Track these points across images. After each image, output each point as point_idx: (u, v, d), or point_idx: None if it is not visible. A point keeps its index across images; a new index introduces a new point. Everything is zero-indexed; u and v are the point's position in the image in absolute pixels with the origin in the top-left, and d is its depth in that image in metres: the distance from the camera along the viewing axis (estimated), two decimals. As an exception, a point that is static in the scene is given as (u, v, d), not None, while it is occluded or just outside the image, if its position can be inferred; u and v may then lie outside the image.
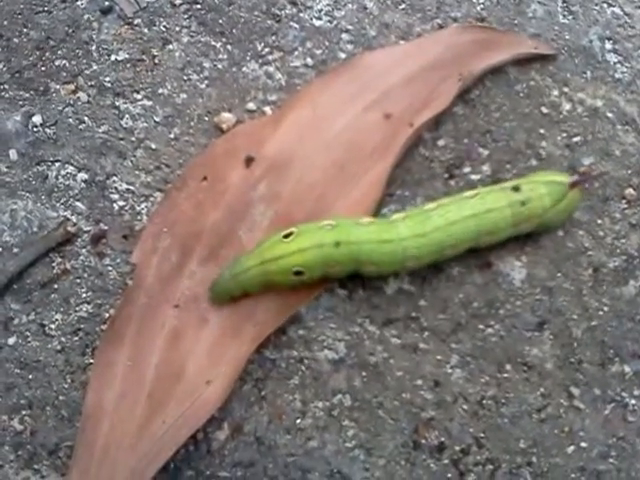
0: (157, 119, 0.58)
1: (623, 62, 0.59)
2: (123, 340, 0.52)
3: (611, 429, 0.52)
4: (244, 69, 0.59)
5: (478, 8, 0.60)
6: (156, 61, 0.59)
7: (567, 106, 0.58)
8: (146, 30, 0.60)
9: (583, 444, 0.52)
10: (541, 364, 0.53)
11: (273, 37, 0.59)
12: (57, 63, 0.60)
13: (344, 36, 0.59)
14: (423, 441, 0.52)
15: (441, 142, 0.57)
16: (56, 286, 0.55)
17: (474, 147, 0.57)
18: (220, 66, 0.59)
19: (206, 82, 0.59)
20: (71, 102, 0.59)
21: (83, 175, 0.57)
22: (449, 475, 0.52)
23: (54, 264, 0.56)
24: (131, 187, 0.57)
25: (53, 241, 0.56)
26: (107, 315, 0.55)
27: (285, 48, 0.59)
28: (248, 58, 0.59)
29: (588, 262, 0.55)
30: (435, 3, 0.60)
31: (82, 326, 0.55)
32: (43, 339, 0.54)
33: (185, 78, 0.59)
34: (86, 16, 0.60)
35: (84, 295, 0.55)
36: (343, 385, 0.53)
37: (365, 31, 0.59)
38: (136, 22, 0.60)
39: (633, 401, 0.53)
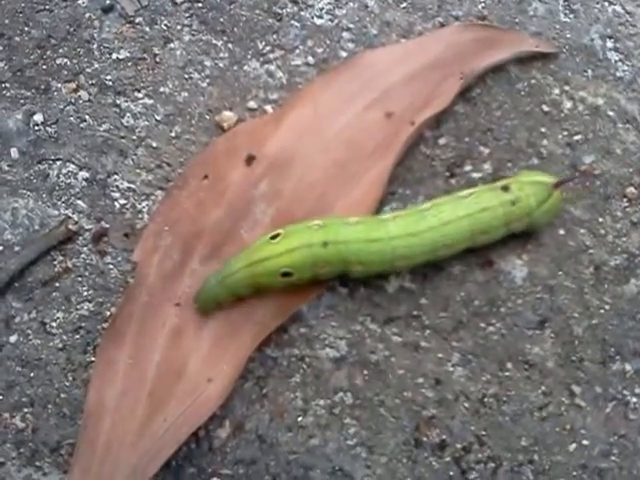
0: (158, 117, 0.58)
1: (624, 60, 0.59)
2: (124, 338, 0.52)
3: (612, 427, 0.52)
4: (245, 68, 0.59)
5: (479, 6, 0.60)
6: (157, 60, 0.59)
7: (568, 104, 0.58)
8: (147, 29, 0.60)
9: (585, 442, 0.52)
10: (542, 362, 0.53)
11: (274, 36, 0.60)
12: (58, 62, 0.60)
13: (345, 35, 0.59)
14: (424, 439, 0.52)
15: (442, 140, 0.57)
16: (57, 284, 0.55)
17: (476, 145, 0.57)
18: (221, 65, 0.59)
19: (207, 81, 0.59)
20: (72, 101, 0.59)
21: (84, 173, 0.57)
22: (451, 473, 0.52)
23: (55, 262, 0.56)
24: (132, 185, 0.57)
25: (54, 239, 0.56)
26: (108, 313, 0.55)
27: (286, 47, 0.59)
28: (249, 57, 0.59)
29: (589, 260, 0.55)
30: (436, 2, 0.60)
31: (83, 324, 0.55)
32: (44, 337, 0.54)
33: (186, 77, 0.59)
34: (87, 14, 0.61)
35: (85, 293, 0.55)
36: (344, 383, 0.53)
37: (366, 30, 0.59)
38: (137, 21, 0.60)
39: (634, 399, 0.53)
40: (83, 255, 0.56)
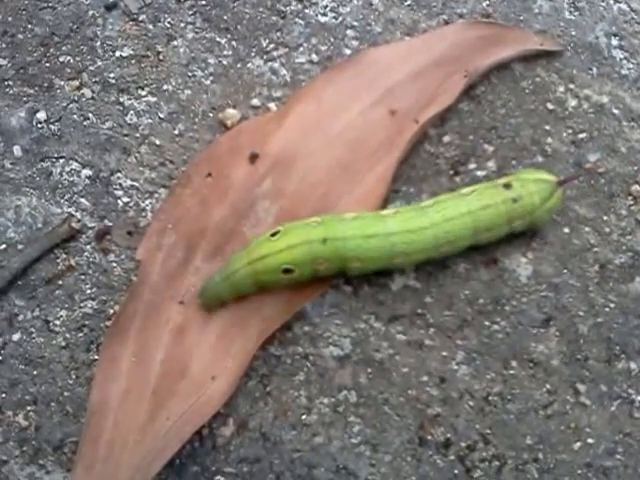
0: (162, 115, 0.58)
1: (629, 58, 0.58)
2: (128, 336, 0.52)
3: (617, 425, 0.52)
4: (249, 65, 0.59)
5: (484, 4, 0.60)
6: (161, 57, 0.59)
7: (573, 102, 0.58)
8: (151, 26, 0.60)
9: (589, 440, 0.52)
10: (547, 361, 0.53)
11: (278, 33, 0.59)
12: (61, 59, 0.59)
13: (349, 32, 0.59)
14: (429, 437, 0.52)
15: (446, 138, 0.57)
16: (61, 282, 0.55)
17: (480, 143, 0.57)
18: (225, 62, 0.59)
19: (211, 78, 0.59)
20: (75, 98, 0.59)
21: (87, 171, 0.57)
22: (455, 471, 0.51)
23: (58, 260, 0.56)
24: (135, 183, 0.57)
25: (57, 237, 0.56)
26: (112, 311, 0.54)
27: (290, 44, 0.59)
28: (253, 54, 0.59)
29: (594, 259, 0.55)
30: (440, -1, 0.60)
31: (87, 322, 0.54)
32: (48, 335, 0.54)
33: (190, 74, 0.59)
34: (91, 12, 0.60)
35: (89, 291, 0.55)
36: (348, 381, 0.53)
37: (370, 27, 0.59)
38: (141, 18, 0.60)
39: (639, 398, 0.53)
40: (86, 253, 0.56)
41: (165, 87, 0.59)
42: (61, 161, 0.57)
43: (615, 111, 0.57)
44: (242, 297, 0.52)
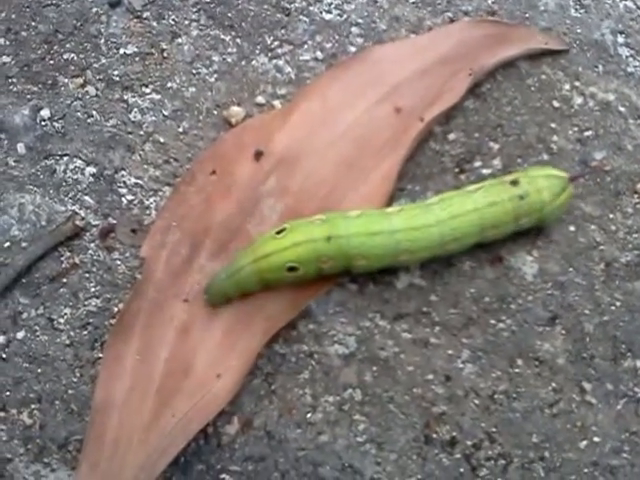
0: (166, 113, 0.58)
1: (635, 56, 0.58)
2: (132, 334, 0.52)
3: (624, 424, 0.52)
4: (253, 63, 0.59)
5: (489, 1, 0.59)
6: (165, 55, 0.59)
7: (579, 100, 0.57)
8: (155, 23, 0.60)
9: (596, 439, 0.52)
10: (553, 359, 0.53)
11: (283, 31, 0.59)
12: (65, 57, 0.59)
13: (354, 29, 0.59)
14: (434, 436, 0.52)
15: (452, 136, 0.57)
16: (65, 280, 0.55)
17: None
18: (229, 60, 0.59)
19: (215, 76, 0.59)
20: (79, 96, 0.59)
21: (91, 169, 0.57)
22: (461, 470, 0.51)
23: (63, 258, 0.55)
24: (140, 181, 0.57)
25: (62, 235, 0.55)
26: (116, 309, 0.54)
27: (295, 42, 0.59)
28: (257, 52, 0.59)
29: (600, 257, 0.55)
30: (446, -4, 0.60)
31: (91, 320, 0.54)
32: (52, 333, 0.54)
33: (194, 72, 0.59)
34: (94, 9, 0.60)
35: (93, 289, 0.55)
36: (353, 380, 0.53)
37: (375, 24, 0.59)
38: (145, 15, 0.60)
39: (645, 396, 0.53)
40: (90, 251, 0.56)
41: (169, 85, 0.58)
42: (65, 159, 0.57)
43: (621, 109, 0.57)
44: (248, 295, 0.52)
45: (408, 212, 0.51)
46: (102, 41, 0.60)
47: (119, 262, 0.55)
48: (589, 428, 0.52)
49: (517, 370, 0.53)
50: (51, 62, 0.59)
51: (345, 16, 0.59)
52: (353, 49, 0.59)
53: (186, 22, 0.60)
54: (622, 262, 0.55)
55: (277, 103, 0.58)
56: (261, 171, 0.55)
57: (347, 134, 0.55)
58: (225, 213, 0.54)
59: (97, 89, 0.59)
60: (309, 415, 0.52)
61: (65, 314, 0.54)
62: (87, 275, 0.55)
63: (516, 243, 0.54)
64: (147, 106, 0.58)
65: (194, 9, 0.60)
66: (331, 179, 0.55)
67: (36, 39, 0.60)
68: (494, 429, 0.52)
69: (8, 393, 0.53)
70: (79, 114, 0.58)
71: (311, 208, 0.54)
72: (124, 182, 0.57)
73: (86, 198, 0.56)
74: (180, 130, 0.58)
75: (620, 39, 0.59)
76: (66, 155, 0.57)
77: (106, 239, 0.56)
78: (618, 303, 0.54)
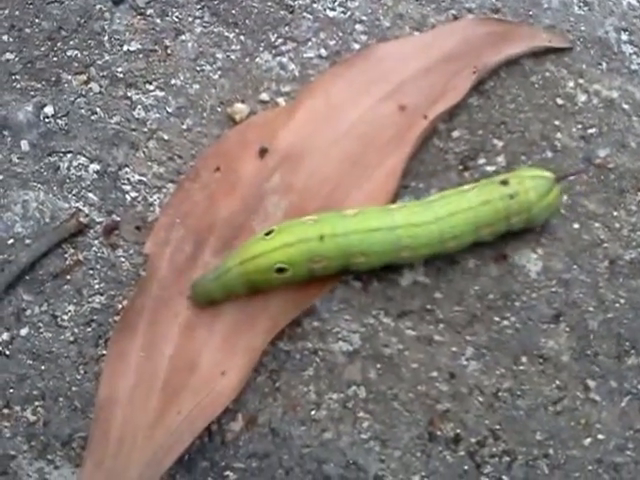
0: (170, 110, 0.58)
1: (639, 53, 0.58)
2: (136, 331, 0.52)
3: (628, 421, 0.52)
4: (257, 60, 0.59)
5: (493, -1, 0.60)
6: (169, 52, 0.59)
7: (582, 97, 0.57)
8: (158, 20, 0.60)
9: (600, 436, 0.52)
10: (557, 356, 0.53)
11: (286, 28, 0.59)
12: (69, 53, 0.59)
13: (358, 27, 0.59)
14: (439, 433, 0.52)
15: (456, 133, 0.57)
16: (69, 277, 0.55)
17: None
18: (233, 57, 0.59)
19: (219, 73, 0.58)
20: (83, 93, 0.59)
21: (95, 166, 0.57)
22: (465, 467, 0.51)
23: (66, 255, 0.55)
24: (143, 178, 0.57)
25: (65, 232, 0.55)
26: (120, 306, 0.54)
27: (298, 39, 0.59)
28: (261, 49, 0.59)
29: (604, 254, 0.55)
30: (450, -6, 0.60)
31: (95, 317, 0.54)
32: (56, 330, 0.54)
33: (198, 69, 0.59)
34: (98, 6, 0.60)
35: (97, 286, 0.55)
36: (358, 377, 0.53)
37: (379, 22, 0.59)
38: (148, 12, 0.60)
39: (649, 394, 0.53)
40: (94, 248, 0.55)
41: (173, 82, 0.58)
42: (69, 156, 0.57)
43: (625, 106, 0.57)
44: (250, 294, 0.52)
45: (409, 209, 0.51)
46: (106, 38, 0.60)
47: (123, 259, 0.55)
48: (593, 425, 0.52)
49: (521, 367, 0.53)
50: (55, 59, 0.59)
51: (349, 13, 0.59)
52: (357, 46, 0.59)
53: (190, 19, 0.60)
54: (626, 259, 0.55)
55: (281, 100, 0.58)
56: (265, 168, 0.55)
57: (351, 132, 0.55)
58: (229, 210, 0.54)
59: (101, 86, 0.59)
60: (313, 412, 0.52)
61: (69, 311, 0.54)
62: (91, 272, 0.55)
63: (520, 240, 0.54)
64: (151, 103, 0.58)
65: (198, 6, 0.60)
66: (335, 176, 0.55)
67: (40, 36, 0.60)
68: (498, 426, 0.52)
69: (12, 390, 0.53)
70: (83, 111, 0.58)
71: (315, 205, 0.54)
72: (128, 179, 0.57)
73: (90, 195, 0.56)
74: (184, 127, 0.58)
75: (624, 36, 0.59)
76: (70, 152, 0.57)
77: (110, 236, 0.56)
78: (622, 300, 0.54)
